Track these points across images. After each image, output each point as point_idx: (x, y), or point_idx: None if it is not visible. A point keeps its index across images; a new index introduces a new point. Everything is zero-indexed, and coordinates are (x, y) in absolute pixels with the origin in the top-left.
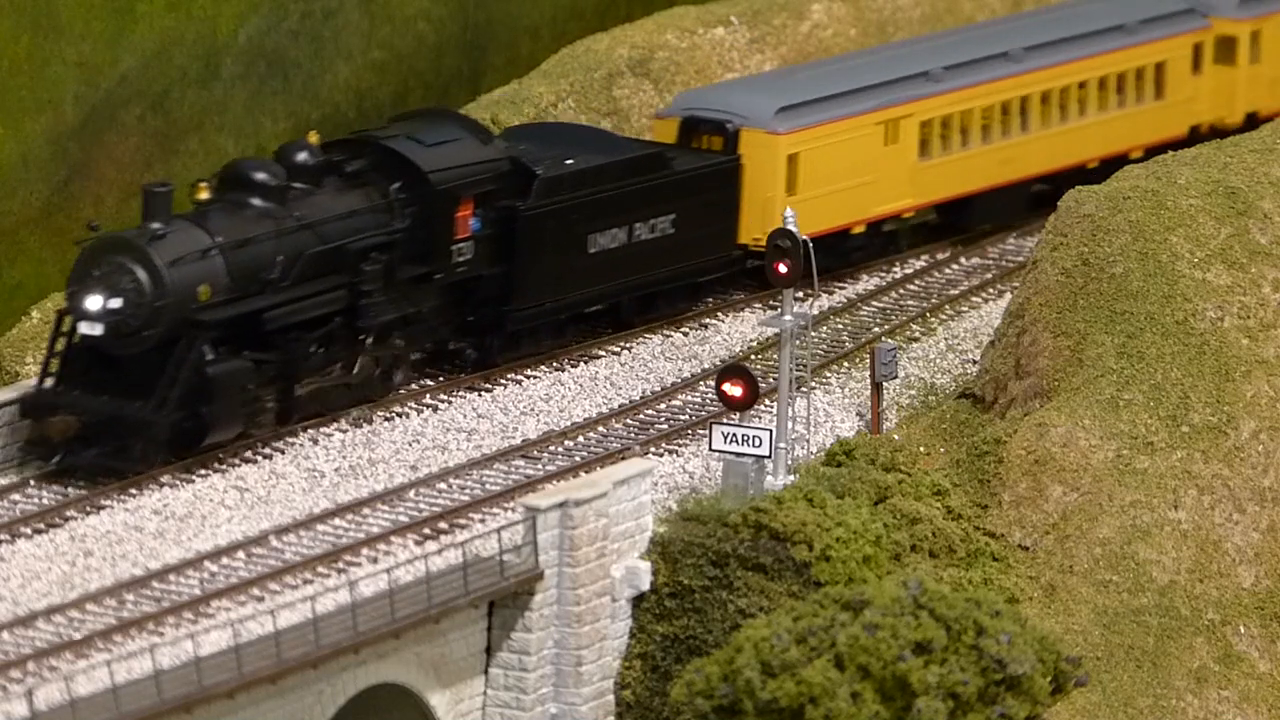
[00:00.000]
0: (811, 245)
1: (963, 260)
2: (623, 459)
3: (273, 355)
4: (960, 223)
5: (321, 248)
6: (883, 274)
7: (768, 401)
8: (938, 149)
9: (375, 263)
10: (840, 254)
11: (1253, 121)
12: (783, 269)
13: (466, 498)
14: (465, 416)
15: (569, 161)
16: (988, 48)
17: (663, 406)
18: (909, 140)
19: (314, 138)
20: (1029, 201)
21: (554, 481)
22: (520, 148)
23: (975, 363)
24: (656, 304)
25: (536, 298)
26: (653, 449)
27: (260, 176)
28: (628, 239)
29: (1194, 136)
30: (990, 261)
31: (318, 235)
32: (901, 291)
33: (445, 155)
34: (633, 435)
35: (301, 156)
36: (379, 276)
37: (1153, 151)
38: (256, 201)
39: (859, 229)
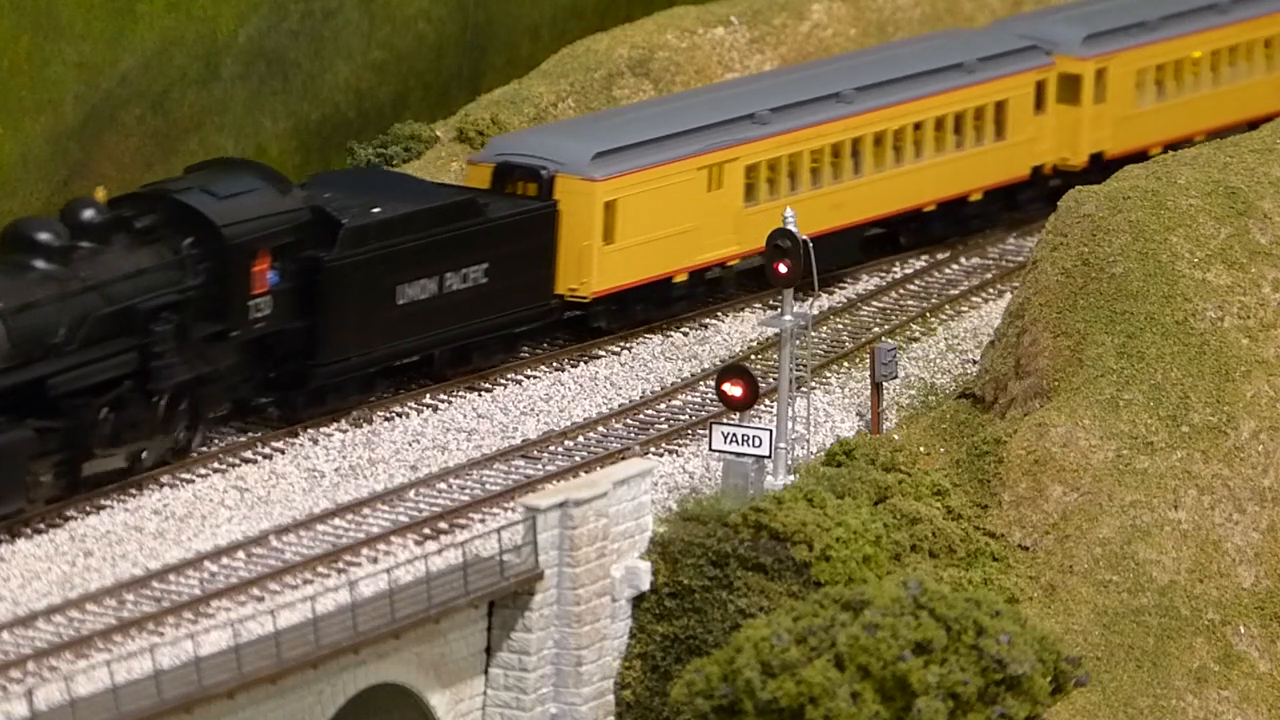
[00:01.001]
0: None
1: (963, 260)
2: (623, 459)
3: (59, 422)
4: None
5: (109, 309)
6: (883, 274)
7: (768, 401)
8: (765, 194)
9: (167, 322)
10: (661, 303)
11: (1097, 163)
12: (783, 269)
13: (466, 498)
14: (465, 416)
15: (376, 210)
16: (818, 88)
17: (663, 406)
18: (734, 185)
19: (100, 194)
20: (862, 246)
21: (554, 481)
22: (325, 196)
23: (975, 363)
24: (471, 356)
25: (342, 352)
26: (653, 449)
27: (43, 237)
28: (438, 289)
29: (1037, 177)
30: (990, 261)
31: (105, 296)
32: (901, 291)
33: (240, 207)
34: (633, 435)
35: (88, 214)
36: (171, 336)
37: (992, 194)
38: (39, 264)
39: (681, 278)
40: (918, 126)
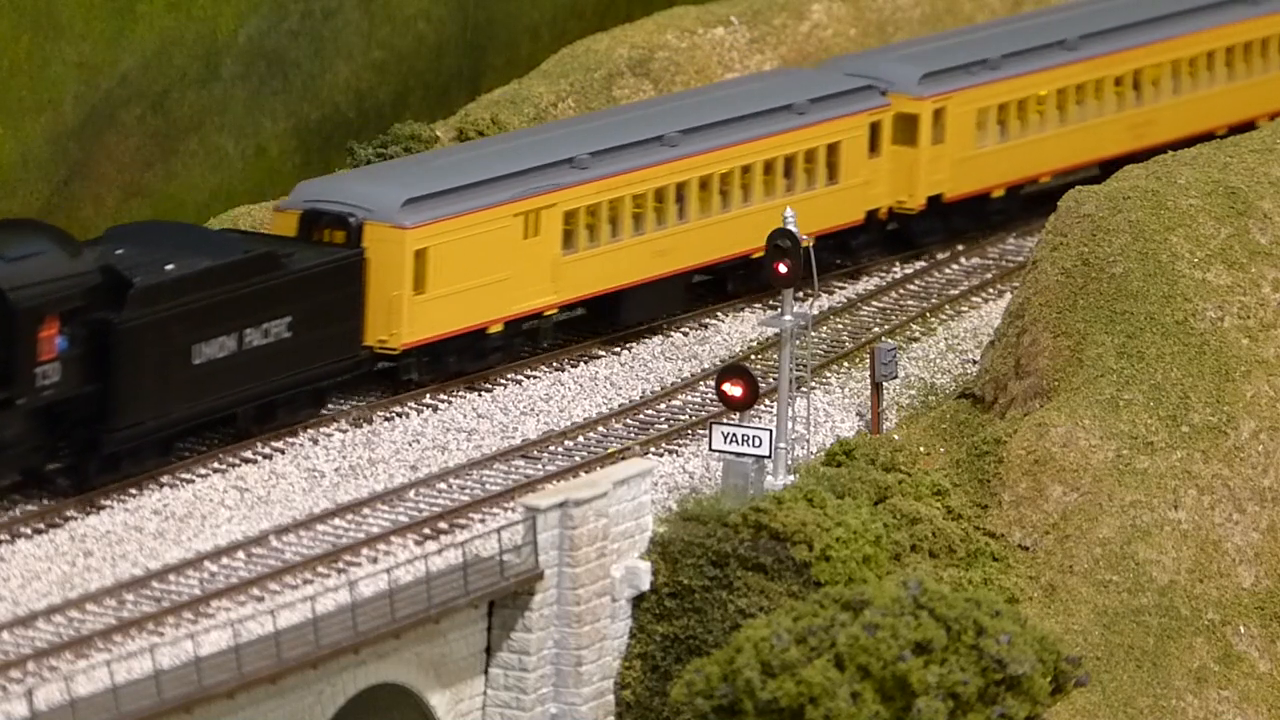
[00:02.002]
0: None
1: (963, 260)
2: (622, 459)
3: None
4: (612, 320)
5: None
6: (883, 274)
7: (768, 401)
8: (584, 242)
9: None
10: (476, 355)
11: (936, 205)
12: (783, 269)
13: (466, 498)
14: (465, 416)
15: (169, 267)
16: (642, 132)
17: (663, 406)
18: (551, 232)
19: None
20: (688, 294)
21: (554, 481)
22: (118, 253)
23: (975, 363)
24: (276, 413)
25: (135, 416)
26: (653, 449)
27: None
28: (238, 346)
29: (871, 222)
30: (990, 261)
31: None
32: (901, 291)
33: (25, 272)
34: (633, 435)
35: None
36: None
37: (824, 238)
38: None
39: (496, 328)
40: (746, 170)
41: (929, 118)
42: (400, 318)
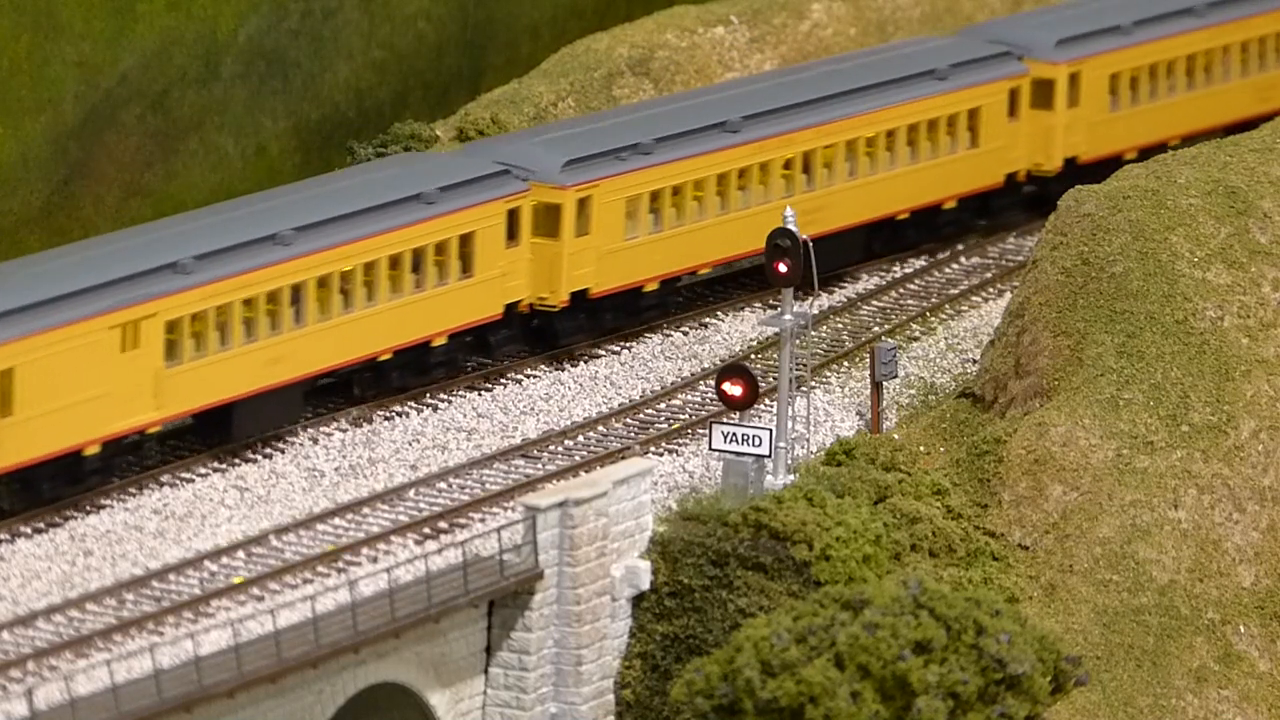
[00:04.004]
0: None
1: (963, 260)
2: (622, 458)
3: None
4: (224, 434)
5: None
6: (883, 274)
7: (768, 401)
8: (190, 352)
9: None
10: (72, 479)
11: (581, 300)
12: (783, 268)
13: (466, 497)
14: (465, 416)
15: None
16: (249, 230)
17: (663, 406)
18: (153, 344)
19: None
20: (307, 400)
21: (554, 481)
22: None
23: (975, 362)
24: None
25: None
26: (653, 449)
27: None
28: None
29: (510, 316)
30: (990, 261)
31: None
32: (901, 291)
33: None
34: (633, 435)
35: None
36: None
37: (456, 335)
38: None
39: (93, 449)
40: (369, 268)
41: (573, 208)
42: None
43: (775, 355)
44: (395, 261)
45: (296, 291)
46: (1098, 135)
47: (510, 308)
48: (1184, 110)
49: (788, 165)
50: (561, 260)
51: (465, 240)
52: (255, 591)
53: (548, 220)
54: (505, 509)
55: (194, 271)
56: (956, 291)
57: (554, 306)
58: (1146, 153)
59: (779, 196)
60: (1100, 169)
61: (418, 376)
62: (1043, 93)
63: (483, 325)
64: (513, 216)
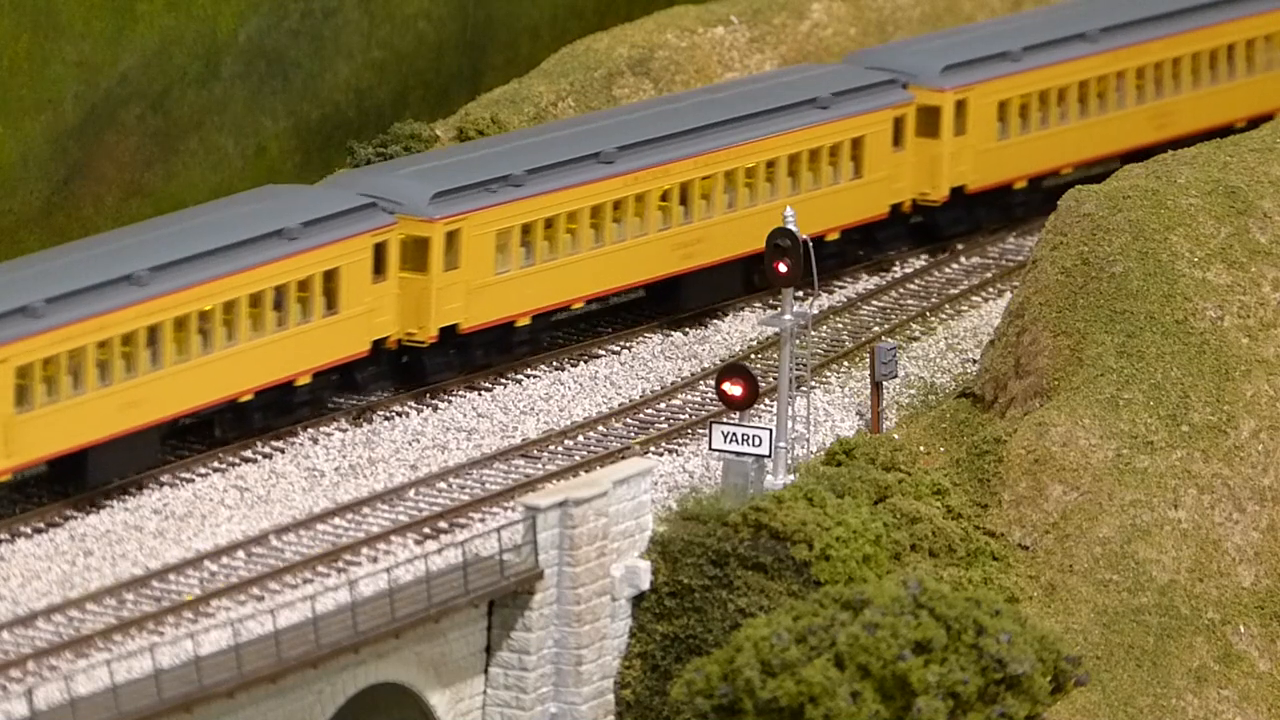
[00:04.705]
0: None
1: (963, 260)
2: (622, 458)
3: None
4: (78, 482)
5: None
6: (883, 274)
7: (768, 401)
8: (42, 397)
9: None
10: None
11: (450, 335)
12: (783, 268)
13: (466, 497)
14: (465, 416)
15: None
16: (105, 270)
17: (662, 406)
18: (2, 390)
19: None
20: (166, 441)
21: (554, 481)
22: None
23: (975, 362)
24: None
25: None
26: (653, 448)
27: None
28: None
29: (378, 351)
30: (990, 261)
31: None
32: (901, 291)
33: None
34: (633, 435)
35: None
36: None
37: (322, 375)
38: None
39: None
40: (228, 307)
41: (441, 241)
42: None
43: (775, 355)
44: (256, 299)
45: (153, 332)
46: (986, 164)
47: (378, 344)
48: (1076, 138)
49: (665, 197)
50: (430, 295)
51: (330, 276)
52: (255, 591)
53: (416, 254)
54: (505, 509)
55: (45, 315)
56: (956, 291)
57: (422, 343)
58: (1036, 182)
59: (656, 229)
60: (991, 197)
61: (281, 416)
62: (928, 121)
63: (349, 363)
64: (379, 251)
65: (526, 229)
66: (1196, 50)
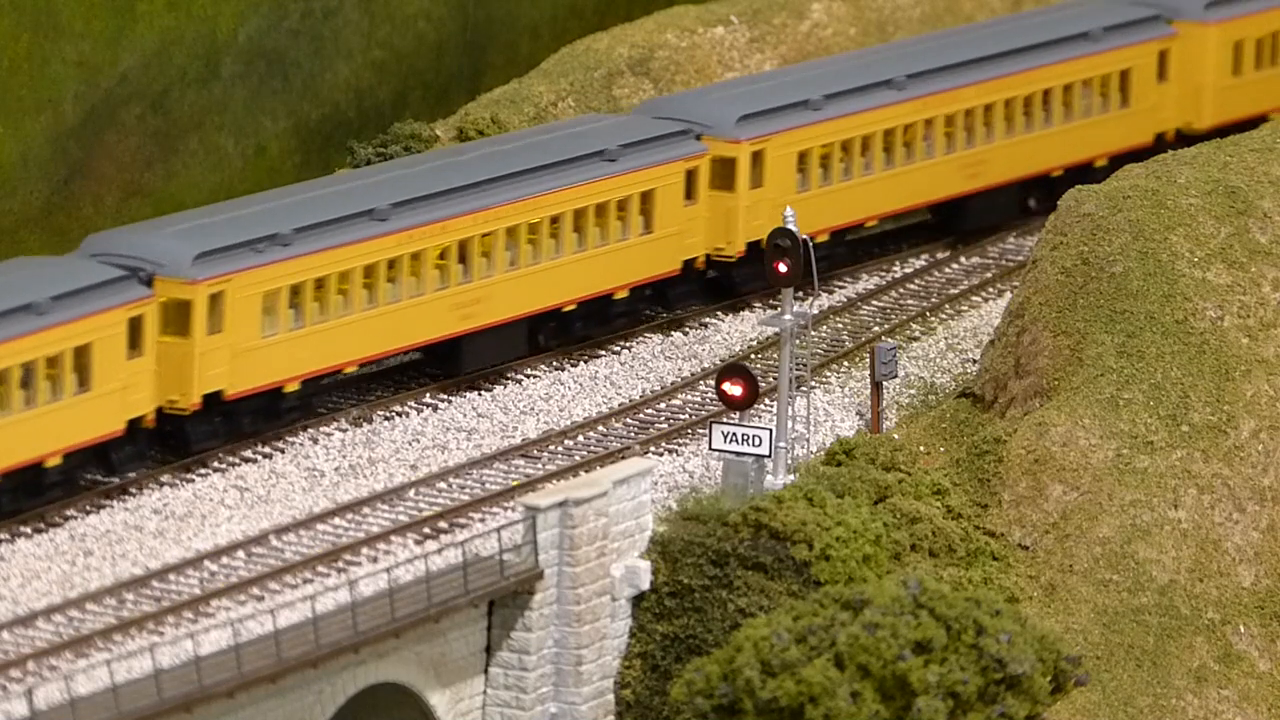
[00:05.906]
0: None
1: (963, 260)
2: (623, 458)
3: None
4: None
5: None
6: (883, 274)
7: (768, 401)
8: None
9: None
10: None
11: (214, 401)
12: (783, 268)
13: (466, 497)
14: (465, 416)
15: None
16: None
17: (663, 406)
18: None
19: None
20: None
21: (554, 481)
22: None
23: (975, 362)
24: None
25: None
26: (653, 448)
27: None
28: None
29: (133, 429)
30: (990, 261)
31: None
32: (901, 291)
33: None
34: (633, 435)
35: None
36: None
37: (75, 455)
38: None
39: None
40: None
41: (204, 304)
42: None
43: (775, 355)
44: (3, 377)
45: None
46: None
47: (134, 422)
48: (882, 189)
49: (443, 255)
50: (193, 360)
51: (81, 352)
52: (255, 591)
53: (178, 318)
54: (505, 509)
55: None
56: (956, 291)
57: (185, 410)
58: (837, 235)
59: (433, 289)
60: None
61: (35, 499)
62: (723, 173)
63: (102, 443)
64: (135, 325)
65: (295, 290)
66: (1010, 96)
